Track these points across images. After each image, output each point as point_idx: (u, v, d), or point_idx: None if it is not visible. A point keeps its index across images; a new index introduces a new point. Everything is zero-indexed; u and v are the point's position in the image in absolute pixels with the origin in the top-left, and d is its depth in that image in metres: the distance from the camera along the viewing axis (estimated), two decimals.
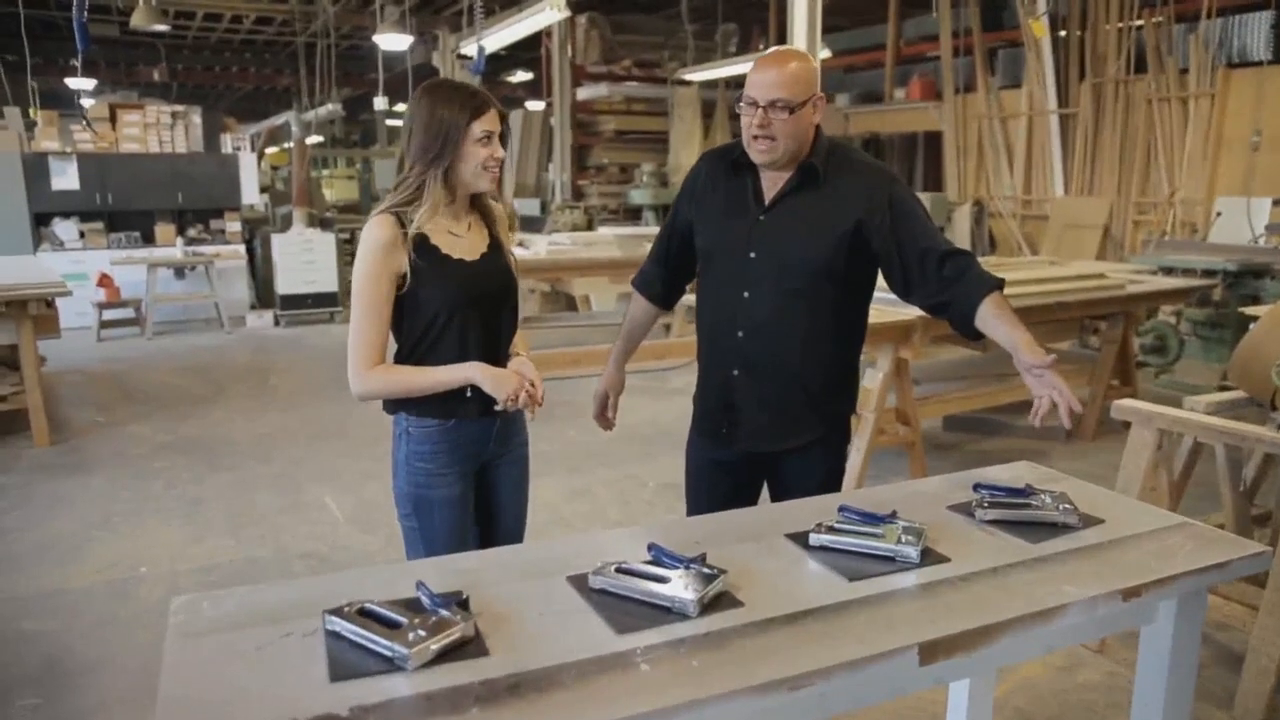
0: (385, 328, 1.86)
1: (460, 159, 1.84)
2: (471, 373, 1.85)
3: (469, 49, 8.59)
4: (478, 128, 1.83)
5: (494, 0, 11.13)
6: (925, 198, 8.62)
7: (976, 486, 1.73)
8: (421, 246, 1.85)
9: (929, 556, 1.48)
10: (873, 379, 4.21)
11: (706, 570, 1.37)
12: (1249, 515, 2.99)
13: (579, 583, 1.39)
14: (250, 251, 9.70)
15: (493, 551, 1.56)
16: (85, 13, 5.23)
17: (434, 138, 1.81)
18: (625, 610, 1.31)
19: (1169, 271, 6.07)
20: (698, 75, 9.97)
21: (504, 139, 1.91)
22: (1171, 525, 1.63)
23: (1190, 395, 2.94)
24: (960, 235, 8.44)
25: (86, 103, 10.75)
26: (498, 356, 1.97)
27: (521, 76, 16.00)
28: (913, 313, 4.04)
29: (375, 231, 1.83)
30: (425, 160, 1.84)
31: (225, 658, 1.20)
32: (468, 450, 1.97)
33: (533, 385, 1.90)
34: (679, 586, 1.32)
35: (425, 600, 1.29)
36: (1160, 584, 1.41)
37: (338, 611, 1.27)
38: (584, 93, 11.28)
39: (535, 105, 13.12)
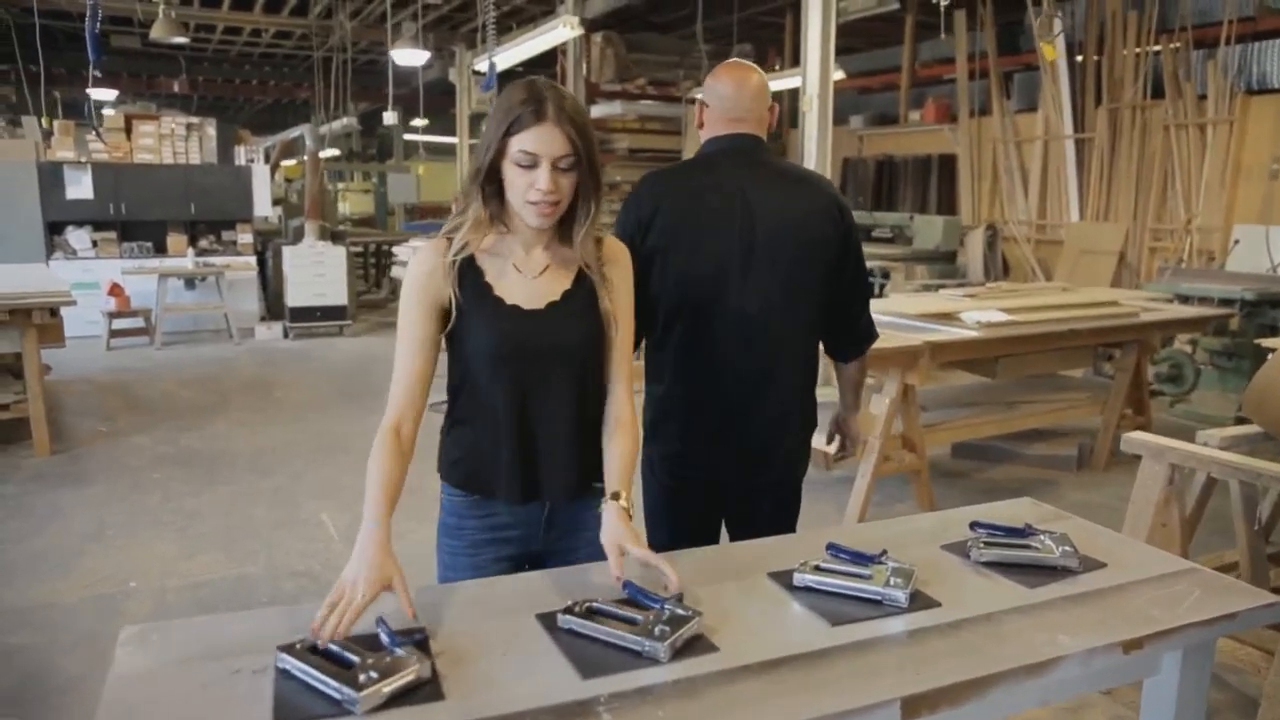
0: (419, 371, 1.53)
1: (506, 181, 1.50)
2: (361, 531, 1.37)
3: (483, 65, 8.60)
4: (514, 145, 1.45)
5: (512, 18, 11.21)
6: (938, 220, 8.55)
7: (974, 525, 1.66)
8: (469, 278, 1.53)
9: (918, 600, 1.40)
10: (878, 405, 4.13)
11: (681, 611, 1.29)
12: (1265, 554, 2.89)
13: (548, 621, 1.32)
14: (262, 263, 9.71)
15: (462, 585, 1.49)
16: (98, 24, 5.26)
17: (481, 148, 1.51)
18: (594, 653, 1.24)
19: (1185, 300, 5.96)
20: None
21: (568, 165, 1.46)
22: (1178, 571, 1.55)
23: (1207, 425, 2.85)
24: (973, 259, 8.35)
25: (107, 113, 10.84)
26: (537, 443, 1.57)
27: None
28: (918, 338, 3.98)
29: (417, 257, 1.56)
30: (471, 174, 1.53)
31: (169, 695, 1.13)
32: (506, 536, 1.63)
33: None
34: (650, 629, 1.25)
35: (384, 637, 1.23)
36: (1163, 635, 1.33)
37: (290, 648, 1.20)
38: (598, 110, 11.26)
39: None
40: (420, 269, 1.53)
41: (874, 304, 4.69)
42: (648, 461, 2.11)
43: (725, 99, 2.01)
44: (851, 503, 4.08)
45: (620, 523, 1.47)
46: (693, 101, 11.04)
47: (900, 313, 4.38)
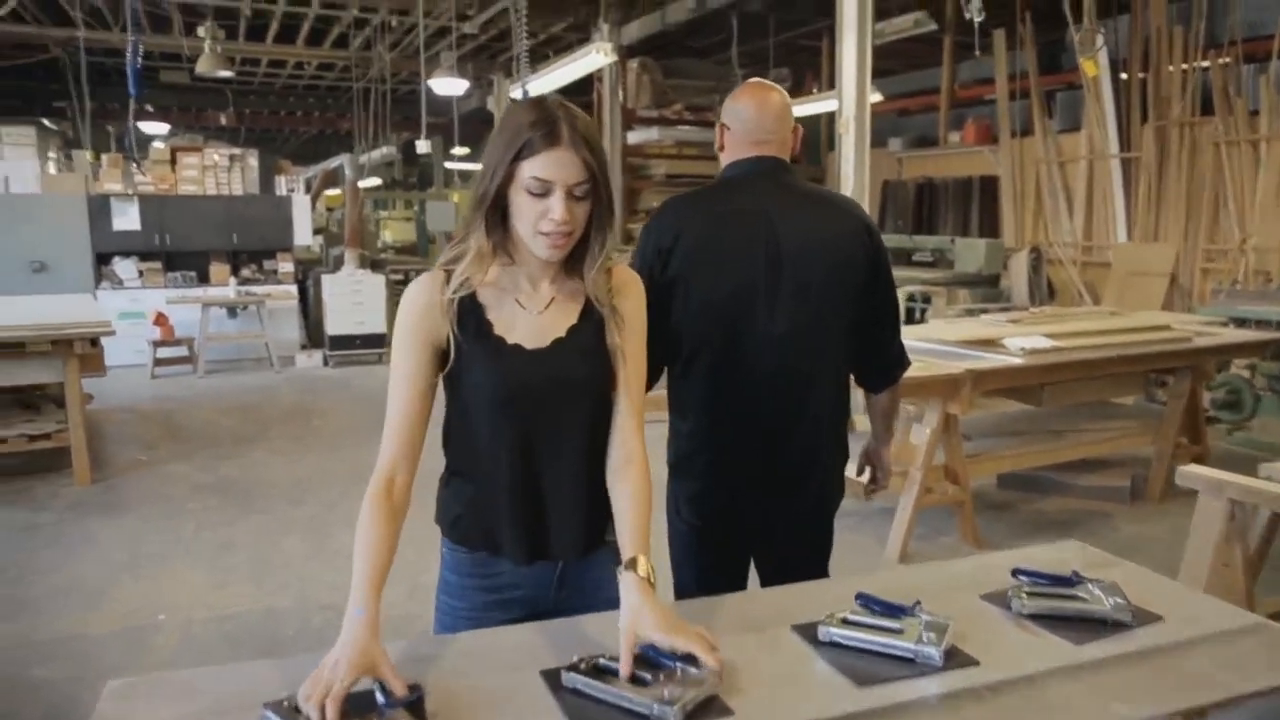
0: (415, 417, 1.41)
1: (513, 210, 1.37)
2: (346, 615, 1.24)
3: (519, 94, 8.65)
4: (525, 171, 1.33)
5: (549, 46, 11.28)
6: (980, 243, 8.39)
7: (1016, 572, 1.54)
8: (468, 316, 1.41)
9: (954, 658, 1.28)
10: (919, 434, 4.00)
11: (695, 670, 1.20)
12: None
13: (552, 679, 1.23)
14: (303, 292, 9.83)
15: (462, 637, 1.41)
16: (139, 59, 5.35)
17: (485, 173, 1.37)
18: (599, 716, 1.15)
19: (1241, 323, 5.73)
20: None
21: (583, 193, 1.35)
22: (1245, 627, 1.41)
23: (1268, 454, 2.69)
24: (1017, 283, 8.16)
25: (158, 145, 11.11)
26: (544, 496, 1.45)
27: None
28: (960, 366, 3.85)
29: (411, 293, 1.42)
30: (474, 201, 1.40)
31: None
32: (512, 597, 1.50)
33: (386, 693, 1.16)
34: (660, 691, 1.16)
35: (379, 697, 1.15)
36: (1230, 703, 1.20)
37: (276, 706, 1.13)
38: (635, 136, 11.26)
39: None
40: (415, 305, 1.40)
41: (914, 330, 4.61)
42: (672, 499, 2.03)
43: (747, 121, 1.94)
44: (892, 537, 3.95)
45: (641, 600, 1.28)
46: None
47: (940, 339, 4.25)
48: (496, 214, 1.39)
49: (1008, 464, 4.55)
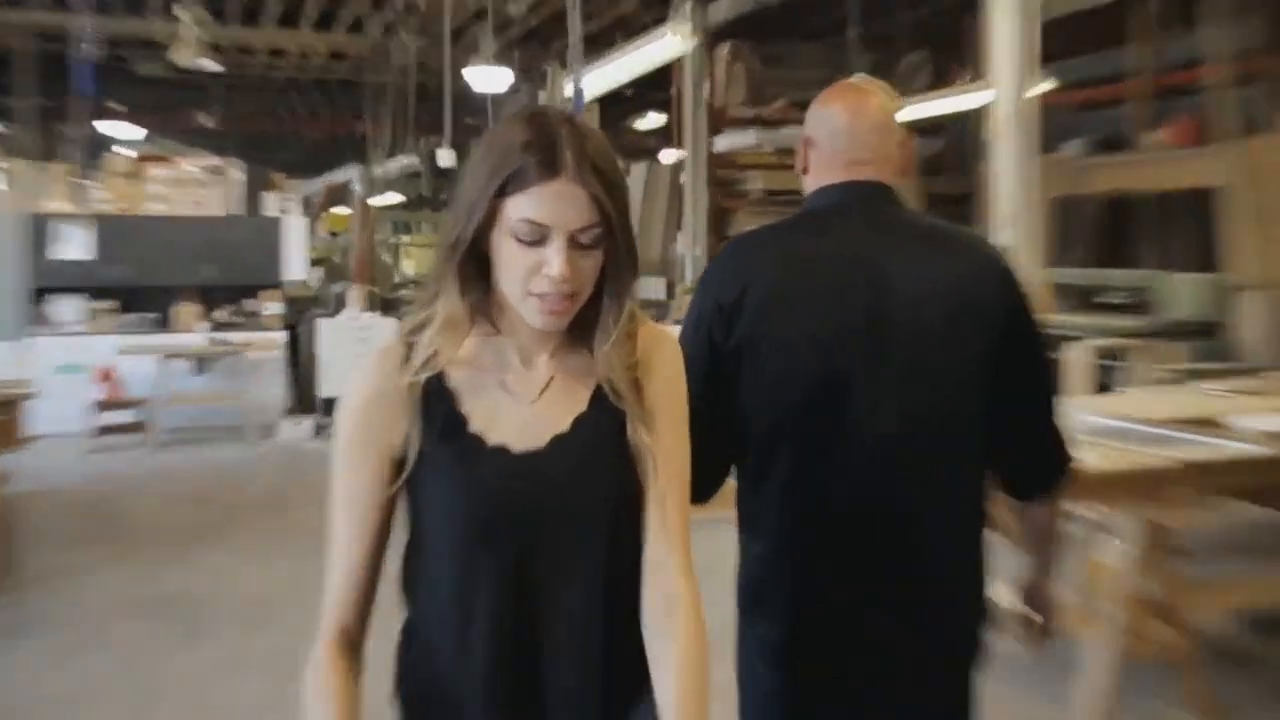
0: (366, 551, 1.37)
1: (497, 261, 1.31)
2: None
3: (569, 89, 8.68)
4: (512, 210, 1.26)
5: (618, 29, 11.35)
6: (1193, 280, 8.12)
7: None
8: (435, 407, 1.33)
9: None
10: (1115, 555, 3.67)
11: None
12: None
13: None
14: (293, 340, 9.92)
15: None
16: (97, 48, 5.42)
17: (459, 211, 1.31)
18: None
19: None
20: None
21: (591, 240, 1.28)
22: None
23: None
24: (1251, 335, 7.78)
25: (127, 153, 11.46)
26: (539, 667, 1.35)
27: (654, 121, 16.27)
28: (1169, 455, 3.54)
29: (355, 380, 1.38)
30: (443, 250, 1.34)
31: None
32: None
33: None
34: None
35: None
36: None
37: None
38: (724, 142, 11.28)
39: (670, 157, 13.18)
40: (360, 398, 1.35)
41: (1100, 403, 4.33)
42: (743, 645, 1.93)
43: (837, 134, 1.90)
44: (1078, 705, 3.59)
45: None
46: None
47: (1140, 417, 3.96)
48: (473, 266, 1.32)
49: (1253, 596, 4.25)
